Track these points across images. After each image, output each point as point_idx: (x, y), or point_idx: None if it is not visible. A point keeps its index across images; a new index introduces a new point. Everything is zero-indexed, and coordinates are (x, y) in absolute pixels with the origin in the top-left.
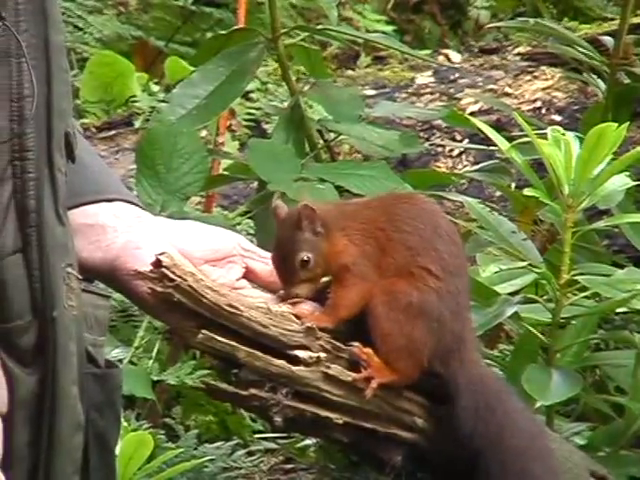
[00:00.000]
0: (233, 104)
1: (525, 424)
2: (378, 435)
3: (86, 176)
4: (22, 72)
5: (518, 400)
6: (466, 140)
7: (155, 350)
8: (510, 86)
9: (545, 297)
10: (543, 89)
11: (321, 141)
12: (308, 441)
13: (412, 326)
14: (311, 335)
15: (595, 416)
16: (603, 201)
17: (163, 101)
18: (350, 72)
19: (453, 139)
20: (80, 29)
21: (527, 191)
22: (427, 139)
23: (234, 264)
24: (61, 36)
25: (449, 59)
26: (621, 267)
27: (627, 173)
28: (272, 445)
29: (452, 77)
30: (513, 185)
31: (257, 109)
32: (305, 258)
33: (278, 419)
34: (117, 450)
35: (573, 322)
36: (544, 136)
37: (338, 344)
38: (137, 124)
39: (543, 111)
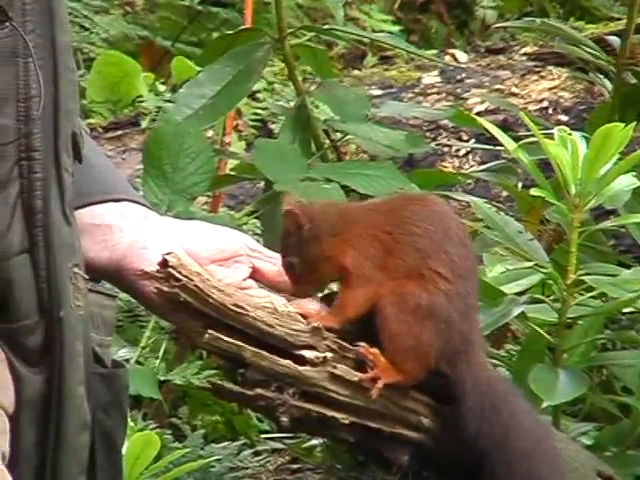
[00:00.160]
0: (239, 104)
1: (531, 426)
2: (384, 435)
3: (93, 176)
4: (29, 72)
5: (524, 402)
6: (472, 140)
7: (162, 350)
8: (517, 86)
9: (552, 297)
10: (550, 89)
11: (327, 141)
12: (315, 441)
13: (420, 327)
14: (317, 335)
15: (602, 416)
16: (610, 201)
17: (169, 101)
18: (356, 72)
19: (459, 139)
20: (87, 29)
21: (534, 191)
22: (434, 139)
23: (240, 264)
24: (68, 36)
25: (456, 59)
26: (628, 267)
27: (634, 173)
28: (279, 445)
29: (459, 77)
30: (520, 185)
31: (263, 109)
32: (291, 261)
33: (284, 419)
34: (124, 450)
35: (580, 322)
36: (551, 136)
37: (344, 344)
38: (144, 124)
39: (550, 111)
